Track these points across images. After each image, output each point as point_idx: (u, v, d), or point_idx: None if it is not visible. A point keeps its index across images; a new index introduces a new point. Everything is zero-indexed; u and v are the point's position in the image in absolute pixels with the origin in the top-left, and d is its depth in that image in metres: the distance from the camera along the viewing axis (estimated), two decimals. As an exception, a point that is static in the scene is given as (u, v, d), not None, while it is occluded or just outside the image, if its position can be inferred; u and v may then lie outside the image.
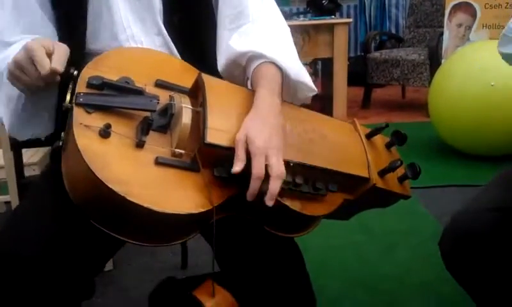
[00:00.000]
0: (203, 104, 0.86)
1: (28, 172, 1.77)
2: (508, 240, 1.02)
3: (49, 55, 0.81)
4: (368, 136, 1.07)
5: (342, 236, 1.96)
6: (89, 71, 0.86)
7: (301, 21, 3.86)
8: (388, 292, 1.66)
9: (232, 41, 0.99)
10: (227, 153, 0.83)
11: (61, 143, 0.88)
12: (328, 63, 3.98)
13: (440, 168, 2.80)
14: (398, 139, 1.08)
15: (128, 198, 0.75)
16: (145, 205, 0.75)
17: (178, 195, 0.80)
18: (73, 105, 0.80)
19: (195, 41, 1.03)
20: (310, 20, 3.93)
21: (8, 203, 2.20)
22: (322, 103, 4.14)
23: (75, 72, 0.84)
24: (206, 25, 1.04)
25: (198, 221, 0.84)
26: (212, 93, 0.88)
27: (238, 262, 0.95)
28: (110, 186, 0.75)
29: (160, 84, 0.91)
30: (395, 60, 4.04)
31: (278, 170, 0.80)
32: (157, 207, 0.76)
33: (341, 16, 5.81)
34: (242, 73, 1.01)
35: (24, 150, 1.68)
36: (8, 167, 1.67)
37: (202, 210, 0.80)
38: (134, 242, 0.83)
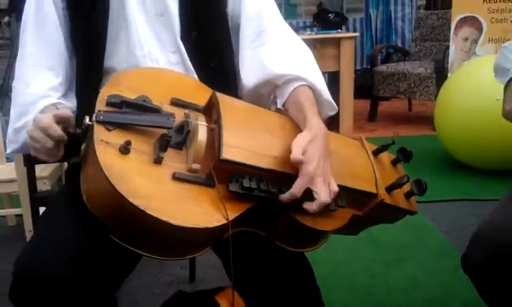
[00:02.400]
0: (217, 121, 0.89)
1: (39, 186, 1.80)
2: None
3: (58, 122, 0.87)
4: (375, 153, 1.09)
5: (350, 249, 1.97)
6: (108, 90, 0.89)
7: (308, 35, 3.90)
8: (395, 306, 1.66)
9: (267, 61, 1.03)
10: (242, 169, 0.86)
11: (78, 160, 0.92)
12: (334, 76, 4.01)
13: (446, 182, 2.80)
14: (404, 156, 1.11)
15: (148, 212, 0.77)
16: (164, 219, 0.78)
17: (194, 210, 0.83)
18: (94, 122, 0.83)
19: (211, 58, 1.07)
20: (316, 34, 3.98)
21: (18, 216, 2.25)
22: (328, 117, 4.16)
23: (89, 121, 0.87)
24: (221, 42, 1.09)
25: (213, 235, 0.86)
26: (226, 110, 0.90)
27: (249, 276, 0.96)
28: (131, 200, 0.77)
29: (175, 103, 0.95)
30: (401, 73, 4.07)
31: (323, 197, 0.86)
32: (175, 221, 0.79)
33: (347, 29, 5.87)
34: (269, 91, 1.05)
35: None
36: (21, 181, 1.70)
37: (217, 224, 0.83)
38: (150, 255, 0.85)
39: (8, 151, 1.07)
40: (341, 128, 4.03)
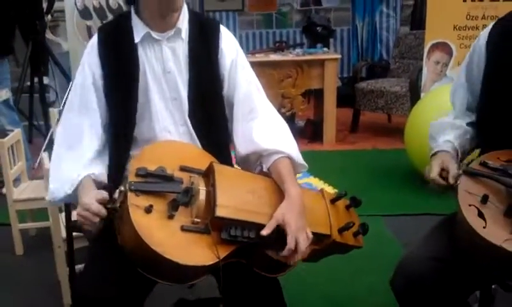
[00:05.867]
0: (213, 185, 1.26)
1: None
2: (448, 287, 1.27)
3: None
4: (333, 201, 1.46)
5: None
6: (136, 164, 1.25)
7: (295, 56, 4.26)
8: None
9: (256, 138, 1.39)
10: (230, 222, 1.22)
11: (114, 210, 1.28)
12: (319, 92, 4.38)
13: (411, 196, 3.14)
14: (354, 202, 1.49)
15: (165, 256, 1.14)
16: (175, 260, 1.14)
17: (195, 252, 1.19)
18: (128, 190, 1.20)
19: (210, 130, 1.44)
20: (304, 54, 4.34)
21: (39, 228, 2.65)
22: (313, 129, 4.54)
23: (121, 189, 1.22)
24: (218, 118, 1.46)
25: (209, 269, 1.23)
26: (220, 177, 1.27)
27: (234, 292, 1.33)
28: (153, 248, 1.14)
29: (183, 169, 1.31)
30: (379, 91, 4.44)
31: (303, 248, 1.23)
32: (183, 261, 1.15)
33: (335, 40, 6.24)
34: (256, 158, 1.41)
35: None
36: None
37: (211, 262, 1.19)
38: (165, 282, 1.22)
39: (48, 199, 1.39)
40: (324, 140, 4.41)
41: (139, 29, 1.37)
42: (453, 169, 1.33)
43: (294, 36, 6.31)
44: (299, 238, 1.23)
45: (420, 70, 4.16)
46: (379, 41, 6.36)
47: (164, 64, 1.38)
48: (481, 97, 1.42)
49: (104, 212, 1.21)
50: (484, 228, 1.15)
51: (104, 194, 1.23)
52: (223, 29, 1.45)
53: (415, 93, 4.15)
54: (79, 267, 1.71)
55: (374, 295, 2.13)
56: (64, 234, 1.87)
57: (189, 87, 1.40)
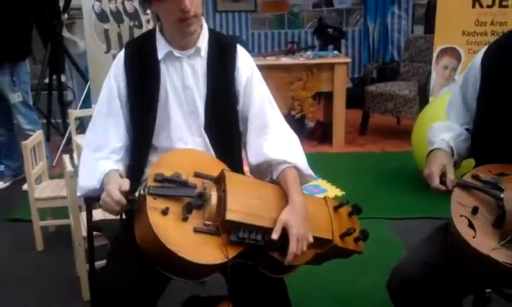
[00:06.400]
0: (224, 191, 1.36)
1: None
2: (440, 291, 1.34)
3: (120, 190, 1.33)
4: (336, 208, 1.56)
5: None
6: (155, 169, 1.36)
7: (306, 60, 4.34)
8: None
9: (265, 149, 1.50)
10: (238, 225, 1.33)
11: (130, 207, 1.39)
12: (329, 95, 4.46)
13: (415, 200, 3.20)
14: (356, 210, 1.58)
15: (179, 254, 1.25)
16: (188, 259, 1.25)
17: (206, 252, 1.30)
18: (146, 194, 1.31)
19: (224, 141, 1.55)
20: (314, 57, 4.42)
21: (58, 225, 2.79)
22: (323, 130, 4.62)
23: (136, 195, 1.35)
24: (232, 130, 1.57)
25: (218, 267, 1.33)
26: (231, 183, 1.37)
27: (242, 290, 1.43)
28: (168, 247, 1.25)
29: (197, 175, 1.41)
30: (388, 94, 4.51)
31: (303, 249, 1.34)
32: (195, 260, 1.26)
33: (346, 40, 6.31)
34: (266, 167, 1.52)
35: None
36: (71, 195, 2.08)
37: (221, 261, 1.30)
38: (178, 279, 1.33)
39: (79, 194, 1.52)
40: (334, 142, 4.49)
41: (162, 47, 1.49)
42: (450, 174, 1.41)
43: (306, 36, 6.40)
44: (300, 241, 1.33)
45: (429, 74, 4.22)
46: (391, 42, 6.42)
47: (183, 80, 1.50)
48: (476, 113, 1.50)
49: (124, 201, 1.33)
50: (473, 237, 1.23)
51: (127, 186, 1.35)
52: (239, 49, 1.56)
53: (423, 97, 4.22)
54: (98, 264, 1.83)
55: (376, 294, 2.19)
56: (84, 232, 1.98)
57: (206, 102, 1.51)
